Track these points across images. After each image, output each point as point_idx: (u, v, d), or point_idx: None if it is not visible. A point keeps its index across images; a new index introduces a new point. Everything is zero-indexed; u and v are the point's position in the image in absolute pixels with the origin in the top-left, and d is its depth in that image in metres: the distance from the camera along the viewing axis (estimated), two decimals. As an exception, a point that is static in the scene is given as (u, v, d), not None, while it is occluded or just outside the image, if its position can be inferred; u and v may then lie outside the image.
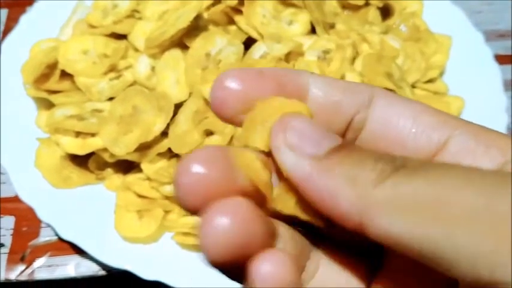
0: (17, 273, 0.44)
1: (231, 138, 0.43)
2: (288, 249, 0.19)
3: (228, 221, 0.16)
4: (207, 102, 0.43)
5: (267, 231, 0.18)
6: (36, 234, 0.46)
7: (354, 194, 0.17)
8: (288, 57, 0.47)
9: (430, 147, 0.20)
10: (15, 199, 0.45)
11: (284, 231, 0.19)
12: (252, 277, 0.17)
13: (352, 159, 0.17)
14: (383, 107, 0.21)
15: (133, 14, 0.52)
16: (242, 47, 0.47)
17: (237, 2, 0.47)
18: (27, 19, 0.55)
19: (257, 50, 0.47)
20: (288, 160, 0.18)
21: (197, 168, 0.17)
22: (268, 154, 0.20)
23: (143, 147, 0.44)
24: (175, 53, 0.47)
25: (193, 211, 0.17)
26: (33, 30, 0.54)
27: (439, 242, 0.15)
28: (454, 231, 0.14)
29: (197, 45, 0.45)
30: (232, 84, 0.20)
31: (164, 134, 0.44)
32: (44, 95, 0.47)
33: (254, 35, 0.48)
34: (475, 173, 0.15)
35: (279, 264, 0.17)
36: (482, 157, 0.19)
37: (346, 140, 0.20)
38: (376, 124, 0.21)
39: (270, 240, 0.18)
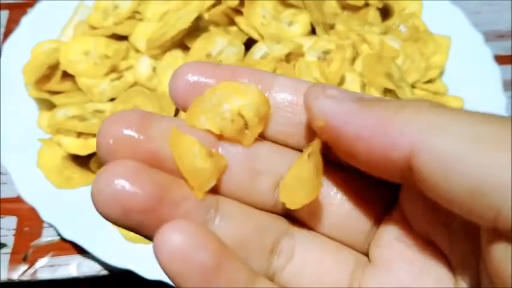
0: (19, 273, 0.44)
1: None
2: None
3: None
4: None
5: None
6: (38, 235, 0.46)
7: (404, 119, 0.17)
8: (288, 57, 0.47)
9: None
10: (17, 199, 0.46)
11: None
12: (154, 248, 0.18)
13: (389, 101, 0.18)
14: None
15: (134, 15, 0.52)
16: (243, 47, 0.47)
17: (237, 2, 0.47)
18: (28, 20, 0.55)
19: (258, 50, 0.47)
20: (329, 105, 0.19)
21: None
22: (219, 137, 0.21)
23: (144, 148, 0.44)
24: (176, 53, 0.47)
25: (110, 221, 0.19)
26: (34, 31, 0.54)
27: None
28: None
29: (198, 45, 0.46)
30: (189, 75, 0.21)
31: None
32: (46, 95, 0.47)
33: (254, 35, 0.48)
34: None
35: (184, 233, 0.18)
36: None
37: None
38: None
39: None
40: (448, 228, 0.20)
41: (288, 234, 0.22)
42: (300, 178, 0.21)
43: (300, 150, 0.22)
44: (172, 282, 0.18)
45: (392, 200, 0.22)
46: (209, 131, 0.21)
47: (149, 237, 0.19)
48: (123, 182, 0.18)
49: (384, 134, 0.17)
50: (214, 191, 0.21)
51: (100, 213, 0.19)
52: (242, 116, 0.21)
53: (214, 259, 0.18)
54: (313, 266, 0.21)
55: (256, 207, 0.22)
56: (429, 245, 0.21)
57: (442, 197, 0.17)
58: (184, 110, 0.22)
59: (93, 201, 0.18)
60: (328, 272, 0.21)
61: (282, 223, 0.22)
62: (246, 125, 0.21)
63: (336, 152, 0.20)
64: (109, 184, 0.18)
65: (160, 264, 0.18)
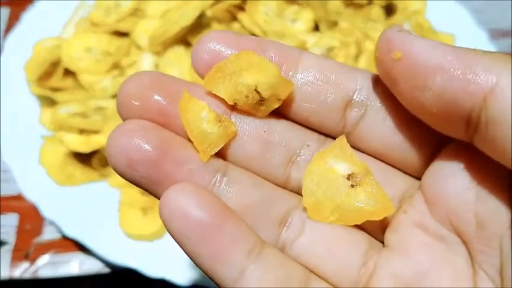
0: (21, 270, 0.44)
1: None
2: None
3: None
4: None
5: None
6: (39, 232, 0.46)
7: (490, 59, 0.18)
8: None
9: None
10: (19, 197, 0.45)
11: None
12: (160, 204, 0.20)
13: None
14: (385, 88, 0.21)
15: (136, 12, 0.52)
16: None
17: (240, 0, 0.47)
18: (29, 17, 0.55)
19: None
20: (411, 38, 0.19)
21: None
22: (232, 108, 0.21)
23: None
24: (179, 50, 0.47)
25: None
26: (35, 28, 0.54)
27: None
28: None
29: (201, 42, 0.45)
30: (212, 43, 0.21)
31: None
32: (48, 92, 0.47)
33: (257, 32, 0.48)
34: None
35: (185, 193, 0.19)
36: None
37: None
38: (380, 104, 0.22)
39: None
40: (475, 215, 0.20)
41: (298, 209, 0.22)
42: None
43: (321, 133, 0.22)
44: (177, 243, 0.20)
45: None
46: (223, 100, 0.21)
47: (155, 195, 0.20)
48: (130, 136, 0.20)
49: (467, 67, 0.18)
50: (223, 156, 0.21)
51: (111, 165, 0.20)
52: (258, 92, 0.21)
53: (214, 218, 0.19)
54: (324, 243, 0.21)
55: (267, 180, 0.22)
56: (450, 233, 0.21)
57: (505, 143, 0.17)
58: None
59: (106, 155, 0.20)
60: (340, 250, 0.21)
61: (293, 198, 0.22)
62: (261, 101, 0.21)
63: (400, 91, 0.20)
64: (118, 138, 0.20)
65: (164, 224, 0.19)
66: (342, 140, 0.22)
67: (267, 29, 0.47)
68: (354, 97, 0.22)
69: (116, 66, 0.48)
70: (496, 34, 0.63)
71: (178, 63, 0.46)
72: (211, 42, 0.21)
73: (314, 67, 0.22)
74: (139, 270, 0.41)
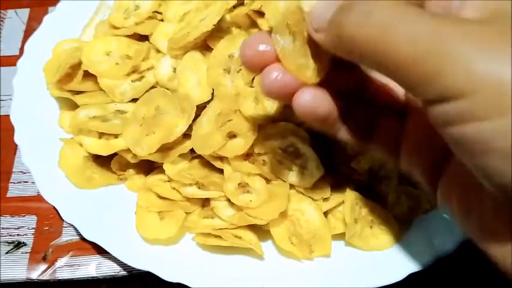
0: (38, 272, 0.44)
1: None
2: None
3: (275, 75, 0.29)
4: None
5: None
6: (58, 234, 0.46)
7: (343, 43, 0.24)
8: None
9: None
10: (37, 198, 0.46)
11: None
12: (294, 107, 0.28)
13: (341, 16, 0.24)
14: None
15: (155, 15, 0.52)
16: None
17: (260, 5, 0.47)
18: (50, 19, 0.55)
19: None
20: (315, 37, 0.26)
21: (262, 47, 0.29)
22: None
23: (165, 148, 0.44)
24: (196, 55, 0.47)
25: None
26: (55, 30, 0.54)
27: None
28: None
29: (221, 46, 0.45)
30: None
31: (186, 135, 0.44)
32: (67, 95, 0.47)
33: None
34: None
35: (315, 96, 0.28)
36: None
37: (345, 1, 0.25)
38: None
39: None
40: None
41: None
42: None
43: None
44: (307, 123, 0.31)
45: None
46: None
47: None
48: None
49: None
50: None
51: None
52: None
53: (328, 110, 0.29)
54: None
55: None
56: None
57: None
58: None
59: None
60: None
61: None
62: None
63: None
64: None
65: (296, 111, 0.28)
66: None
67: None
68: None
69: (135, 70, 0.48)
70: None
71: (195, 67, 0.46)
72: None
73: None
74: (157, 274, 0.41)
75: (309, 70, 0.28)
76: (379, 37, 0.22)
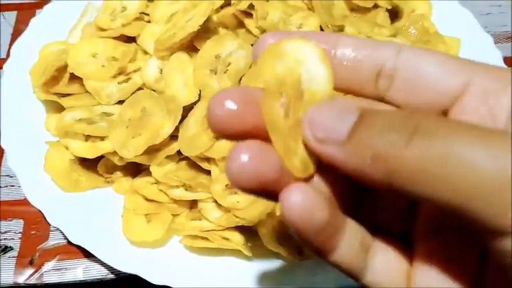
0: (25, 276, 0.44)
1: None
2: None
3: (246, 159, 0.19)
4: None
5: (279, 169, 0.20)
6: (45, 238, 0.46)
7: (382, 169, 0.18)
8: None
9: (453, 90, 0.22)
10: (24, 202, 0.45)
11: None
12: (282, 205, 0.19)
13: (372, 132, 0.19)
14: (410, 57, 0.22)
15: (142, 17, 0.52)
16: (252, 51, 0.47)
17: (247, 5, 0.47)
18: (37, 22, 0.55)
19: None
20: (319, 149, 0.20)
21: (230, 105, 0.20)
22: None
23: (152, 150, 0.43)
24: (182, 56, 0.47)
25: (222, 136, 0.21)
26: (42, 33, 0.54)
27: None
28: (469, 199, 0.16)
29: (207, 47, 0.45)
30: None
31: (173, 136, 0.44)
32: (54, 98, 0.47)
33: (263, 37, 0.47)
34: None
35: (306, 195, 0.20)
36: (503, 95, 0.21)
37: (363, 108, 0.20)
38: (405, 72, 0.22)
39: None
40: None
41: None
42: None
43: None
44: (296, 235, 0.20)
45: None
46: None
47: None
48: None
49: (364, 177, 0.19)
50: None
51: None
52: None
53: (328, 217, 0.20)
54: None
55: None
56: None
57: None
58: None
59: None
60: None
61: None
62: None
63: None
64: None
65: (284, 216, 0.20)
66: None
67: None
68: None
69: (122, 71, 0.47)
70: (502, 37, 0.63)
71: (181, 68, 0.46)
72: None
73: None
74: (143, 277, 0.41)
75: (296, 158, 0.20)
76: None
